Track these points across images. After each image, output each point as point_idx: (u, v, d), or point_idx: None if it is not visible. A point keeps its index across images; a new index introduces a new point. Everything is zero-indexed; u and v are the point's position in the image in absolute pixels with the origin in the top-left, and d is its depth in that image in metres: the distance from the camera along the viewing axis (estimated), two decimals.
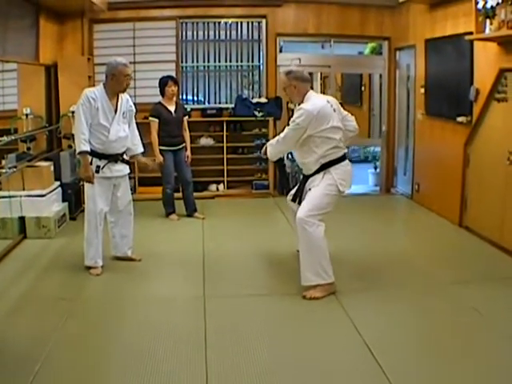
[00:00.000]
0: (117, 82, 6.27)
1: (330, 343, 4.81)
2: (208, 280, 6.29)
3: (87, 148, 6.18)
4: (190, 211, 9.20)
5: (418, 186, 10.02)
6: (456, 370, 4.30)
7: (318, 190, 5.84)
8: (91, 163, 6.31)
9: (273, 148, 6.17)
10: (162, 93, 8.75)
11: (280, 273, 6.49)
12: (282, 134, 6.00)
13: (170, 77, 8.84)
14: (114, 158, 6.47)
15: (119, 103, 6.44)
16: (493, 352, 4.58)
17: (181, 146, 8.83)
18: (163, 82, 8.73)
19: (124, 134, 6.51)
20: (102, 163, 6.36)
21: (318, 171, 5.90)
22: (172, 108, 8.74)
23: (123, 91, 6.45)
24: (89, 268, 6.49)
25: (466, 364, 4.40)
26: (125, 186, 6.74)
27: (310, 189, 5.93)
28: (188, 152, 8.97)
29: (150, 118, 8.56)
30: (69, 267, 6.67)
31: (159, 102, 8.73)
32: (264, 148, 6.35)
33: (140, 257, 6.94)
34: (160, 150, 8.53)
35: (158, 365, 4.42)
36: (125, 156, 6.68)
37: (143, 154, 7.00)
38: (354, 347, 4.72)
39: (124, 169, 6.66)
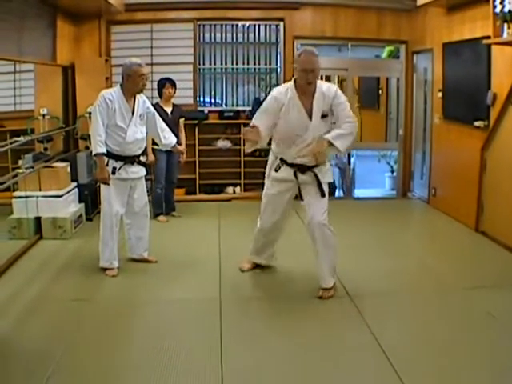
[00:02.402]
0: (133, 82, 6.27)
1: (345, 346, 4.82)
2: (224, 281, 6.29)
3: (103, 150, 6.17)
4: (168, 210, 9.31)
5: (435, 190, 9.98)
6: (470, 375, 4.28)
7: (325, 186, 5.86)
8: (107, 164, 6.32)
9: (347, 140, 5.60)
10: (160, 94, 8.93)
11: (295, 274, 6.49)
12: (350, 124, 5.60)
13: (167, 79, 8.95)
14: (131, 160, 6.46)
15: (136, 105, 6.44)
16: (508, 357, 4.56)
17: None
18: (161, 84, 8.91)
19: (141, 136, 6.53)
20: (118, 165, 6.37)
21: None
22: (169, 109, 8.88)
23: (140, 92, 6.43)
24: (104, 269, 6.50)
25: (481, 369, 4.38)
26: (141, 188, 6.72)
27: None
28: (184, 155, 9.02)
29: None
30: (84, 268, 6.68)
31: (157, 103, 8.79)
32: (322, 146, 5.55)
33: (156, 258, 6.93)
34: (154, 149, 8.58)
35: (173, 366, 4.43)
36: (141, 158, 6.68)
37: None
38: (368, 350, 4.71)
39: (140, 171, 6.64)
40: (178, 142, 8.82)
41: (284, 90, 5.80)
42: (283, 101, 5.68)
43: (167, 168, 9.02)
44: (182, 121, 9.12)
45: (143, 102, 6.58)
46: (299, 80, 5.69)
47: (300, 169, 5.82)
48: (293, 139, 5.70)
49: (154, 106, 8.55)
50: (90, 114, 7.77)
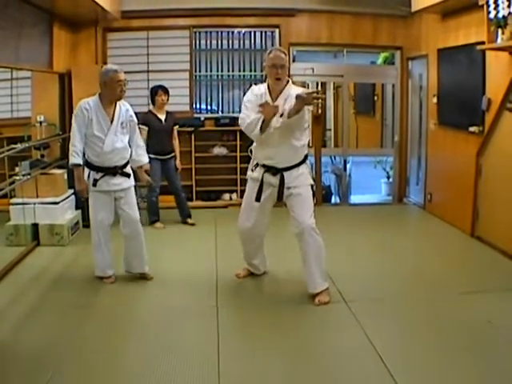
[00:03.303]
0: (110, 89, 6.08)
1: (341, 351, 4.82)
2: (221, 288, 6.29)
3: (78, 161, 6.03)
4: (183, 218, 9.35)
5: (431, 195, 10.01)
6: (467, 380, 4.29)
7: (305, 190, 5.91)
8: (89, 176, 6.21)
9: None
10: (153, 101, 8.93)
11: (290, 280, 6.50)
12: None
13: (160, 86, 8.98)
14: (112, 171, 6.26)
15: (116, 113, 6.25)
16: (505, 361, 4.58)
17: (170, 156, 8.97)
18: (154, 91, 8.93)
19: (121, 145, 6.29)
20: (98, 176, 6.21)
21: (301, 162, 5.95)
22: (162, 117, 8.90)
23: (119, 98, 6.23)
24: (101, 278, 6.49)
25: (478, 373, 4.39)
26: (129, 200, 6.47)
27: (292, 186, 5.88)
28: (178, 161, 9.13)
29: (140, 126, 8.62)
30: (82, 275, 6.69)
31: (149, 111, 8.91)
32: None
33: (152, 275, 6.64)
34: (148, 157, 8.57)
35: (171, 373, 4.44)
36: (127, 168, 6.47)
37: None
38: (364, 355, 4.72)
39: (123, 182, 6.38)
40: (173, 150, 8.91)
41: (258, 87, 5.97)
42: (258, 97, 5.77)
43: (168, 177, 9.08)
44: (175, 128, 9.14)
45: (126, 110, 6.39)
46: (269, 77, 5.81)
47: (269, 170, 5.89)
48: (263, 137, 5.74)
49: (147, 113, 8.63)
50: None
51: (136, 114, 6.67)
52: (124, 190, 6.40)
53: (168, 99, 9.04)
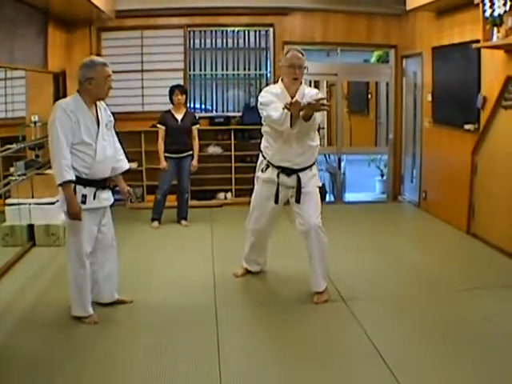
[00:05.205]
0: (97, 86, 5.11)
1: (341, 349, 4.84)
2: (218, 288, 6.29)
3: (72, 176, 4.96)
4: (179, 218, 9.37)
5: (426, 193, 10.03)
6: (467, 378, 4.30)
7: (314, 189, 5.94)
8: (75, 192, 5.11)
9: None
10: (171, 101, 8.94)
11: (287, 278, 6.53)
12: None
13: (177, 86, 9.06)
14: (102, 185, 5.31)
15: (99, 114, 5.28)
16: (504, 357, 4.60)
17: (184, 155, 8.99)
18: (171, 91, 8.96)
19: (111, 152, 5.37)
20: (88, 192, 5.18)
21: (314, 163, 6.01)
22: (179, 116, 8.92)
23: (104, 97, 5.32)
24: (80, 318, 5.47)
25: (478, 370, 4.40)
26: (109, 219, 5.60)
27: (303, 187, 5.87)
28: (194, 161, 9.11)
29: (157, 125, 8.90)
30: None
31: (168, 110, 8.95)
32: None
33: (131, 298, 5.89)
34: (164, 156, 8.80)
35: (171, 373, 4.43)
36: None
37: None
38: (365, 353, 4.74)
39: (110, 196, 5.49)
40: (190, 149, 8.98)
41: (273, 88, 5.99)
42: (279, 96, 5.72)
43: (178, 176, 9.13)
44: (194, 128, 9.12)
45: (104, 109, 5.39)
46: (285, 77, 5.82)
47: (284, 171, 5.86)
48: (281, 136, 5.74)
49: (165, 112, 8.79)
50: None
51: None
52: (107, 206, 5.55)
53: (187, 98, 9.18)
